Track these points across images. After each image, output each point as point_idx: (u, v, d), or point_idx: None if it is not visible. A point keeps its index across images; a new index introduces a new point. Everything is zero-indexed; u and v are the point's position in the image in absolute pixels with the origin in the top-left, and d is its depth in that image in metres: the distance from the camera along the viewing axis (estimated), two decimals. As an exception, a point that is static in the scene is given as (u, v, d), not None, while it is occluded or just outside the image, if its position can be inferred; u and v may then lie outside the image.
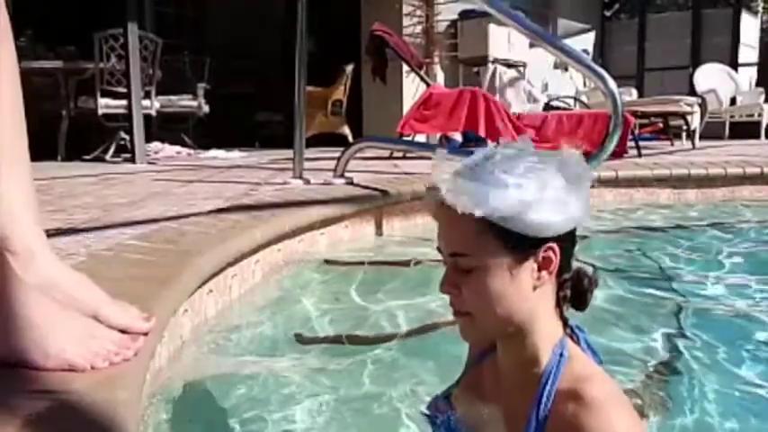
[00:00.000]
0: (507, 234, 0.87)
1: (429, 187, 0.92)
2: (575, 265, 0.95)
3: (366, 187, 3.21)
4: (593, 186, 0.92)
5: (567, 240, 0.91)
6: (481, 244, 0.87)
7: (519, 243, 0.87)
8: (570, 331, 0.96)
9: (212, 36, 8.74)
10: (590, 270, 0.95)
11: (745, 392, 1.48)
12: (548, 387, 0.90)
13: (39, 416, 0.82)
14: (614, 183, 4.09)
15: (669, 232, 3.40)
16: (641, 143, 5.82)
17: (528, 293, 0.90)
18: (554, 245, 0.89)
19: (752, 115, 8.56)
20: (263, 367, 1.57)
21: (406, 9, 7.41)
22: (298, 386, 1.49)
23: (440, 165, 0.91)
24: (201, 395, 1.42)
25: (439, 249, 0.93)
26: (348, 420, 1.35)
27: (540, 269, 0.89)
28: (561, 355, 0.91)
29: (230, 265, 1.91)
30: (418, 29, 7.48)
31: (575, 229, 0.92)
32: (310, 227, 2.59)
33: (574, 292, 0.94)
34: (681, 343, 1.78)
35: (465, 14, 7.42)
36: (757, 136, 8.24)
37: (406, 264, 2.55)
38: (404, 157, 5.27)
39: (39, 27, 5.60)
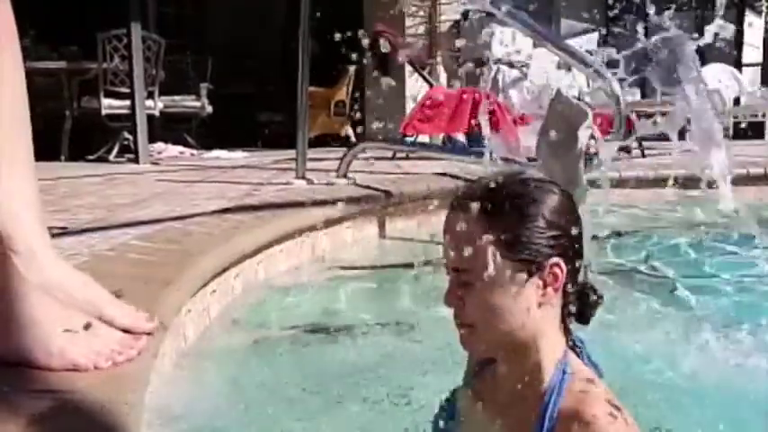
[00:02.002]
0: (513, 252, 0.87)
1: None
2: (581, 279, 0.94)
3: (369, 188, 3.20)
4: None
5: (574, 255, 0.91)
6: (486, 260, 0.88)
7: (524, 260, 0.87)
8: (572, 344, 0.95)
9: (214, 36, 8.73)
10: (595, 285, 0.95)
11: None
12: (551, 406, 0.89)
13: (42, 415, 0.82)
14: (618, 183, 4.08)
15: (672, 232, 3.39)
16: (644, 143, 5.81)
17: (532, 309, 0.89)
18: (560, 261, 0.88)
19: (756, 115, 8.54)
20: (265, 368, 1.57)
21: (408, 9, 7.40)
22: (299, 385, 1.49)
23: None
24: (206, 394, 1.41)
25: (444, 264, 0.93)
26: (350, 425, 1.34)
27: (545, 285, 0.89)
28: (564, 371, 0.91)
29: (233, 265, 1.92)
30: (421, 29, 7.48)
31: (581, 244, 0.92)
32: (313, 228, 2.59)
33: (579, 306, 0.94)
34: (682, 348, 1.76)
35: (468, 15, 7.42)
36: (761, 136, 8.22)
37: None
38: (407, 158, 5.26)
39: (42, 27, 5.61)
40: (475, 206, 0.89)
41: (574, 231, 0.91)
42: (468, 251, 0.88)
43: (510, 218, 0.88)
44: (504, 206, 0.88)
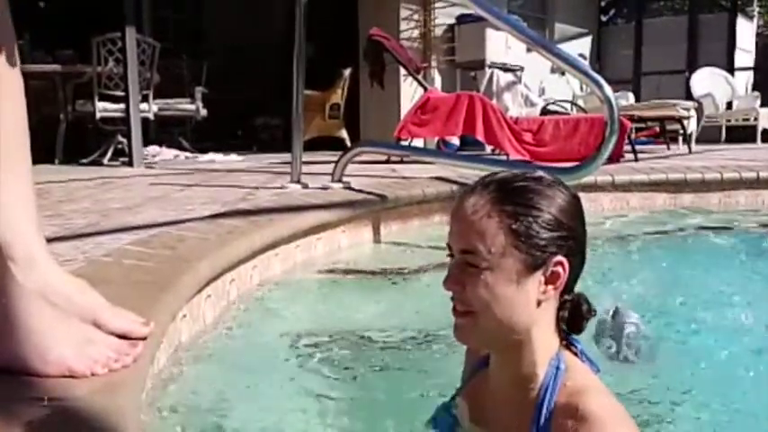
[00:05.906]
0: (521, 242, 0.88)
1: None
2: (577, 289, 0.96)
3: (364, 192, 3.21)
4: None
5: (577, 259, 0.92)
6: (497, 246, 0.88)
7: (531, 253, 0.89)
8: (567, 343, 0.96)
9: (210, 40, 8.76)
10: (588, 297, 0.97)
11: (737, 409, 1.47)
12: (545, 401, 0.90)
13: (38, 422, 0.82)
14: (610, 187, 4.10)
15: (665, 236, 3.41)
16: (638, 147, 5.85)
17: (531, 305, 0.90)
18: (564, 260, 0.90)
19: (748, 119, 8.60)
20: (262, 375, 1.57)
21: (403, 13, 7.42)
22: (299, 391, 1.49)
23: None
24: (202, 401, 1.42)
25: (448, 246, 0.93)
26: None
27: (546, 283, 0.90)
28: (558, 367, 0.92)
29: (228, 270, 1.92)
30: (416, 33, 7.50)
31: (585, 251, 0.93)
32: (308, 232, 2.60)
33: (572, 315, 0.95)
34: (673, 350, 1.78)
35: (462, 19, 7.44)
36: (753, 140, 8.28)
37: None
38: (401, 162, 5.27)
39: (37, 31, 5.60)
40: (489, 192, 0.90)
41: (580, 236, 0.93)
42: (477, 233, 0.89)
43: (522, 209, 0.89)
44: (518, 197, 0.89)
